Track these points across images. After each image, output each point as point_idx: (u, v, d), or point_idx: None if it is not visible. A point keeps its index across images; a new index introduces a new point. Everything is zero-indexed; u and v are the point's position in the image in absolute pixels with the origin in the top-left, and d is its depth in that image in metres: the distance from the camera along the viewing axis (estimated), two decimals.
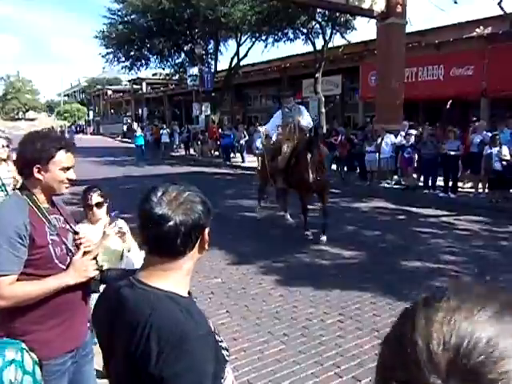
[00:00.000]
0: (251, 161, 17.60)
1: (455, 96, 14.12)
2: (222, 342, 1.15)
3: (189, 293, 1.17)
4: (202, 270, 5.60)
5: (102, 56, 24.98)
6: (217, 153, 20.46)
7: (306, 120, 7.39)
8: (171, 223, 1.06)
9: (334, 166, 13.21)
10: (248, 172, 16.27)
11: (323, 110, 18.00)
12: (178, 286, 1.12)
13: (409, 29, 14.26)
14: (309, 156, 6.34)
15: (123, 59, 25.17)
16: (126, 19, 23.65)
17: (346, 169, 13.39)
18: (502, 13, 10.93)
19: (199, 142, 21.21)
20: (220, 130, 19.76)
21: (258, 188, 8.81)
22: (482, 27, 13.49)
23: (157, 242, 1.10)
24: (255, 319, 4.22)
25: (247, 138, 17.89)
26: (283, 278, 5.29)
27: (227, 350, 1.16)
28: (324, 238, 6.63)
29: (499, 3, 10.75)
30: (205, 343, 1.03)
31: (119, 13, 23.60)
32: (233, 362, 3.45)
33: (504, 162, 9.16)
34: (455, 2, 12.50)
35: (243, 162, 17.94)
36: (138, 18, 23.06)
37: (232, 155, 18.92)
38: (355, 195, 10.94)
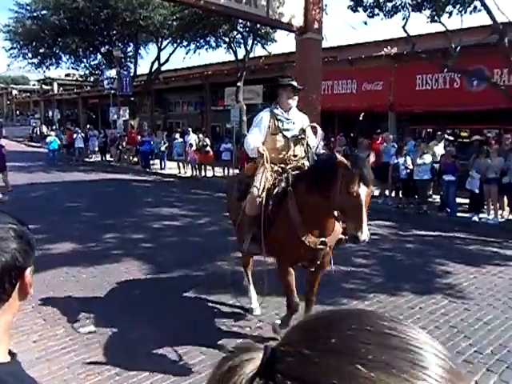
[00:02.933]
0: (171, 167, 17.32)
1: (367, 109, 15.06)
2: None
3: (12, 354, 0.89)
4: (118, 282, 5.38)
5: (6, 50, 23.14)
6: (136, 159, 19.82)
7: (314, 139, 4.07)
8: None
9: None
10: (168, 179, 15.99)
11: (244, 118, 18.26)
12: None
13: (325, 44, 14.98)
14: (290, 201, 3.57)
15: (30, 56, 23.52)
16: (35, 15, 22.15)
17: None
18: (405, 35, 11.87)
19: (118, 148, 20.41)
20: (139, 136, 19.15)
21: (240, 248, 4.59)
22: (389, 47, 14.55)
23: None
24: (175, 331, 4.10)
25: (167, 144, 17.55)
26: (204, 287, 5.22)
27: None
28: (278, 321, 3.99)
29: (403, 26, 11.67)
30: None
31: (28, 7, 22.07)
32: (149, 378, 3.32)
33: (408, 171, 9.98)
34: (365, 23, 13.34)
35: (163, 168, 17.59)
36: (49, 15, 21.68)
37: (152, 162, 18.46)
38: None
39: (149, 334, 4.03)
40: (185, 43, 20.33)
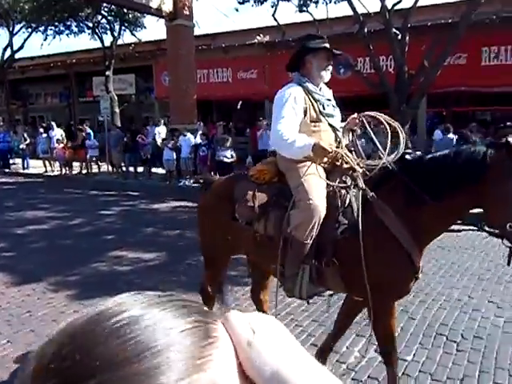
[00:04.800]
0: (36, 166, 15.62)
1: (244, 97, 15.23)
2: None
3: None
4: None
5: None
6: None
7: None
8: None
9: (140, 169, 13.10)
10: (33, 180, 14.39)
11: (117, 110, 17.20)
12: None
13: (199, 32, 14.70)
14: (386, 216, 2.41)
15: None
16: None
17: (150, 170, 13.13)
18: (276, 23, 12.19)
19: None
20: None
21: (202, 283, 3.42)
22: (262, 35, 14.80)
23: None
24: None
25: (28, 140, 15.71)
26: (77, 292, 4.69)
27: None
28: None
29: (273, 14, 11.96)
30: None
31: None
32: None
33: None
34: (236, 10, 13.43)
35: (26, 168, 15.79)
36: None
37: (12, 161, 16.44)
38: (155, 196, 10.73)
39: (12, 351, 3.45)
40: (41, 28, 18.35)
